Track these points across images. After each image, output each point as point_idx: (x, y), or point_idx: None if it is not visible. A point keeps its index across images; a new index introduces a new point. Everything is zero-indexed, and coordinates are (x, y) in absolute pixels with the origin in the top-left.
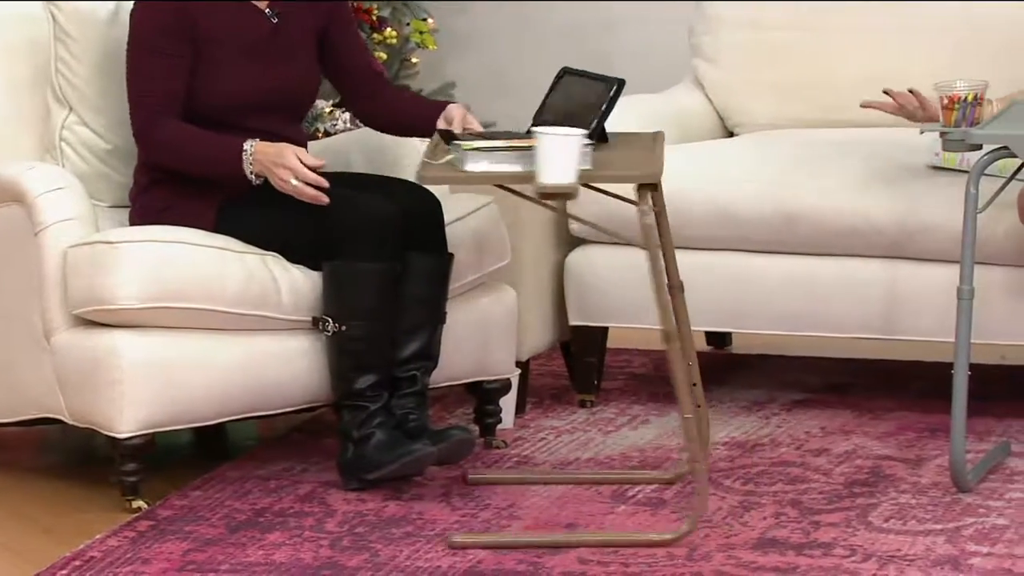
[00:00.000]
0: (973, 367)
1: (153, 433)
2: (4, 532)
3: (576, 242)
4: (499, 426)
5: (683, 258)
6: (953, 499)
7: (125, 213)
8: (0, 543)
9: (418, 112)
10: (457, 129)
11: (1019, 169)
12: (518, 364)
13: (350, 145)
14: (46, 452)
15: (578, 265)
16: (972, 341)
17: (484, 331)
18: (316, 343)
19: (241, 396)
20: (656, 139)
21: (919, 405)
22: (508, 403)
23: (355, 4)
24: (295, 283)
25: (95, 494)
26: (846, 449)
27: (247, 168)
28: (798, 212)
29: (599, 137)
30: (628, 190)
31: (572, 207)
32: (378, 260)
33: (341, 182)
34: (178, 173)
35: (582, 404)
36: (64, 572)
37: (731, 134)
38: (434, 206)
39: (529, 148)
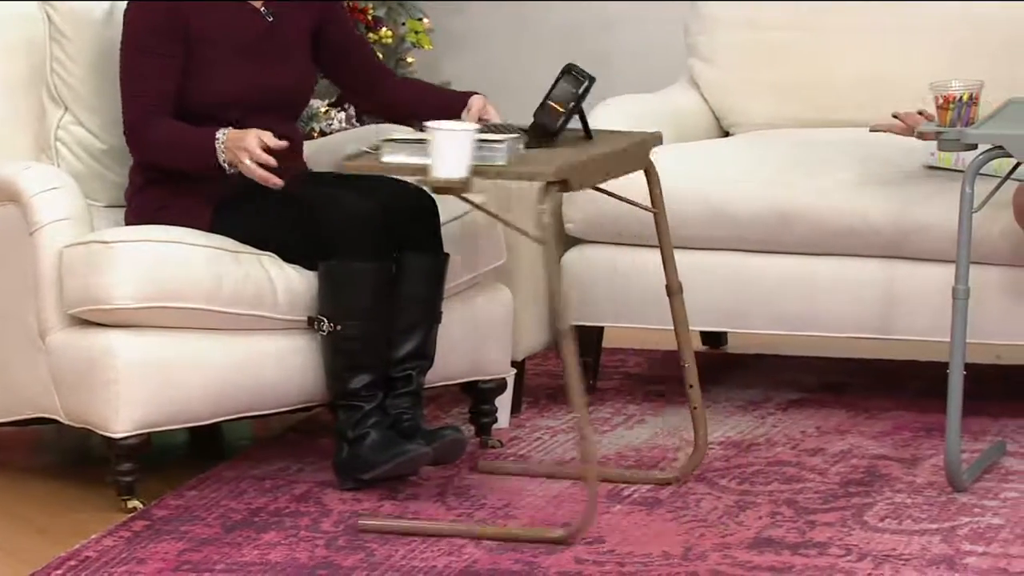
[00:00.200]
0: (969, 367)
1: (148, 433)
2: None
3: (572, 242)
4: (495, 426)
5: (680, 258)
6: (948, 499)
7: (120, 213)
8: None
9: (440, 103)
10: (472, 120)
11: (1014, 169)
12: (513, 364)
13: (346, 144)
14: (41, 452)
15: (574, 265)
16: (968, 341)
17: (479, 331)
18: (311, 343)
19: (237, 396)
20: (634, 139)
21: (915, 405)
22: (504, 403)
23: (351, 4)
24: (290, 283)
25: (90, 494)
26: (842, 449)
27: (220, 156)
28: (794, 212)
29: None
30: (630, 191)
31: (568, 206)
32: (371, 259)
33: (336, 182)
34: (172, 172)
35: None
36: (59, 572)
37: (727, 134)
38: (430, 206)
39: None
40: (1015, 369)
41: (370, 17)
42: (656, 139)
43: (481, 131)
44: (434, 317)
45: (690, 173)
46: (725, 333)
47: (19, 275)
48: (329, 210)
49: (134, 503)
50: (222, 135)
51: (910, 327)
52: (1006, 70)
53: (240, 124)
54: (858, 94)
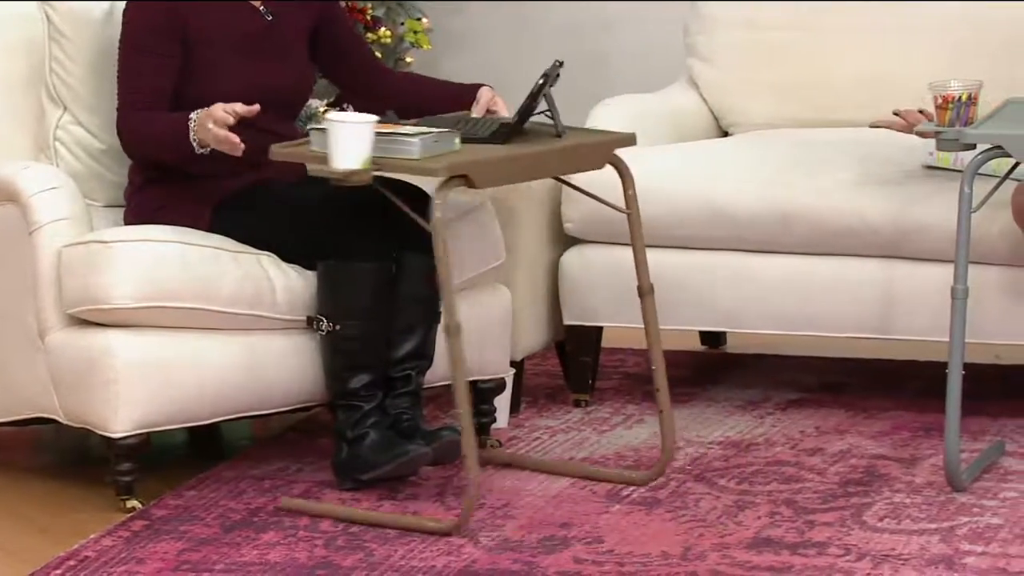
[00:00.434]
0: (967, 367)
1: (148, 433)
2: None
3: (571, 242)
4: (493, 426)
5: (679, 258)
6: (947, 498)
7: (120, 213)
8: None
9: (446, 96)
10: (479, 112)
11: (1013, 168)
12: (513, 364)
13: None
14: (40, 452)
15: (572, 265)
16: (966, 341)
17: (479, 331)
18: (311, 343)
19: (236, 396)
20: (598, 138)
21: (914, 404)
22: (503, 403)
23: (350, 4)
24: (290, 283)
25: (90, 494)
26: (841, 448)
27: (191, 135)
28: (794, 212)
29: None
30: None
31: (567, 205)
32: (370, 259)
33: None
34: (171, 171)
35: (576, 404)
36: (59, 572)
37: (726, 134)
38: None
39: (388, 132)
40: (1014, 369)
41: (369, 17)
42: (626, 140)
43: (385, 122)
44: (434, 317)
45: (690, 173)
46: (724, 333)
47: (18, 275)
48: (328, 210)
49: (133, 503)
50: (195, 115)
51: (909, 327)
52: (1006, 70)
53: (239, 122)
54: (858, 94)
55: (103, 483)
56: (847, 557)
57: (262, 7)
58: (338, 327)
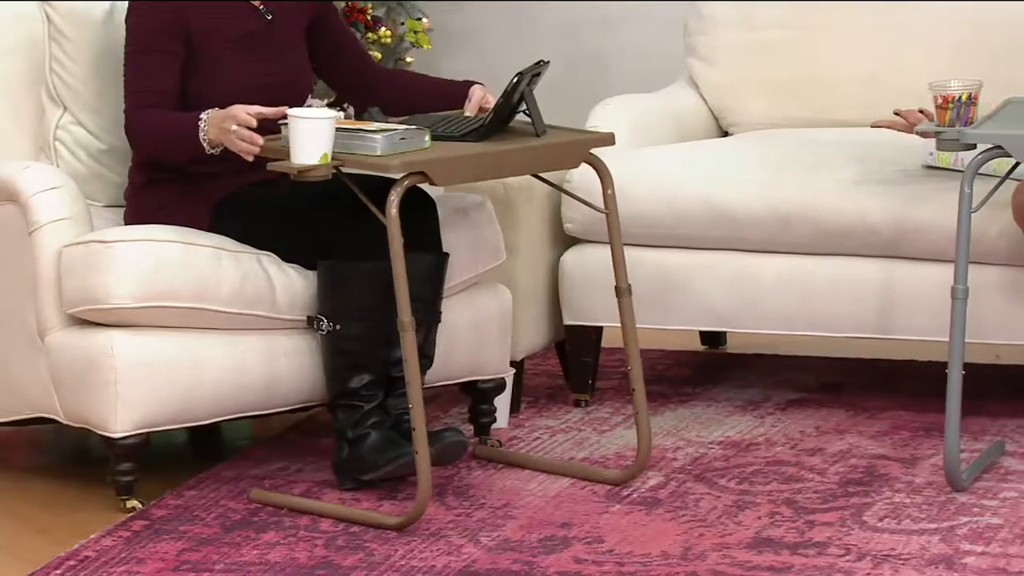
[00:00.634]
0: (967, 366)
1: (148, 433)
2: None
3: (571, 242)
4: (494, 426)
5: (678, 257)
6: (947, 498)
7: (120, 213)
8: None
9: (439, 94)
10: (472, 111)
11: (1013, 169)
12: (513, 364)
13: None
14: (40, 452)
15: (573, 265)
16: (966, 340)
17: (479, 331)
18: (311, 342)
19: (236, 396)
20: (573, 138)
21: (914, 404)
22: (503, 403)
23: (350, 3)
24: (290, 282)
25: (90, 494)
26: (841, 448)
27: (201, 135)
28: (793, 212)
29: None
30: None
31: (567, 205)
32: (370, 259)
33: (334, 182)
34: (172, 171)
35: (577, 404)
36: (59, 572)
37: (726, 134)
38: (429, 205)
39: (353, 129)
40: (1014, 369)
41: (369, 17)
42: (603, 140)
43: (344, 116)
44: (434, 317)
45: (690, 173)
46: (724, 333)
47: (18, 275)
48: (328, 210)
49: (133, 503)
50: (205, 115)
51: (909, 327)
52: (1006, 70)
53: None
54: (857, 94)
55: (103, 483)
56: (847, 557)
57: (261, 6)
58: (338, 327)
